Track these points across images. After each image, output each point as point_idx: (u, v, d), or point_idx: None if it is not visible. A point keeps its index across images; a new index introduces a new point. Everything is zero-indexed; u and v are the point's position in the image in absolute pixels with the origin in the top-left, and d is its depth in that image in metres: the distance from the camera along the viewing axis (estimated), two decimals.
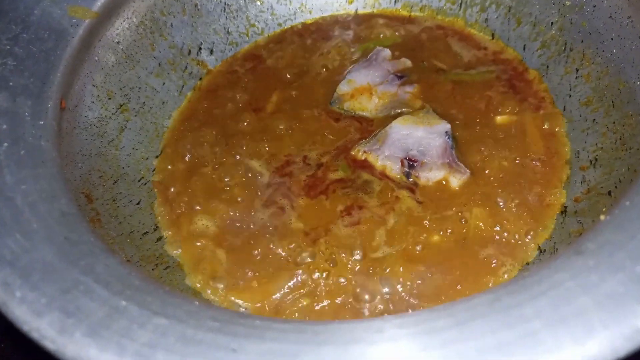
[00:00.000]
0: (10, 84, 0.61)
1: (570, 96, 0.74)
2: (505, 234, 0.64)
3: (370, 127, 0.77)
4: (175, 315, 0.42)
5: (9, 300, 0.41)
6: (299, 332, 0.40)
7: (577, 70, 0.74)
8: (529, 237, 0.63)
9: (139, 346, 0.39)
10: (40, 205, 0.52)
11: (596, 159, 0.66)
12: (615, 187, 0.60)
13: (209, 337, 0.40)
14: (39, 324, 0.40)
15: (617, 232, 0.41)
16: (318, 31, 0.92)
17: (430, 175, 0.69)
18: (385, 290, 0.60)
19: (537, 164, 0.69)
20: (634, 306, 0.35)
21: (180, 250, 0.69)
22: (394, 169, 0.70)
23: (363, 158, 0.72)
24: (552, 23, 0.78)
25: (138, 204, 0.73)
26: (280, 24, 0.93)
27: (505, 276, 0.60)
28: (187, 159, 0.77)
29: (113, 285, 0.45)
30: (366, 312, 0.59)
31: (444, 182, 0.69)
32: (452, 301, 0.41)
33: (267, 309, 0.61)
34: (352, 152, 0.73)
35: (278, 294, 0.62)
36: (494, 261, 0.61)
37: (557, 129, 0.71)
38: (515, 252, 0.62)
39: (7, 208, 0.49)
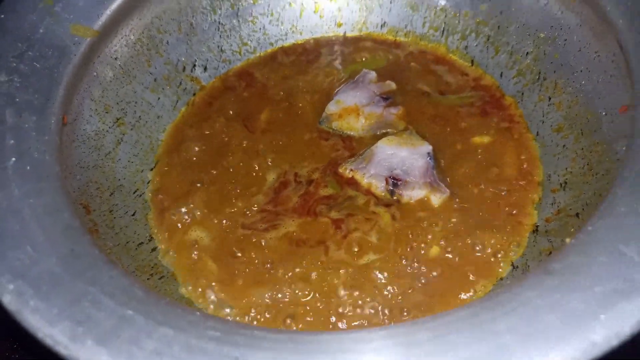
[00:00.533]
0: (17, 100, 0.63)
1: (543, 122, 0.79)
2: (480, 251, 0.68)
3: (357, 146, 0.81)
4: (179, 326, 0.45)
5: (24, 309, 0.44)
6: (294, 342, 0.44)
7: (550, 99, 0.80)
8: (502, 254, 0.68)
9: (147, 354, 0.42)
10: (46, 218, 0.55)
11: (566, 182, 0.72)
12: (583, 209, 0.66)
13: (212, 346, 0.43)
14: (52, 332, 0.43)
15: (580, 255, 0.46)
16: (308, 52, 0.96)
17: (413, 194, 0.73)
18: (369, 301, 0.64)
19: (512, 184, 0.74)
20: (591, 323, 0.39)
21: (173, 260, 0.72)
22: (379, 187, 0.74)
23: (350, 176, 0.77)
24: (527, 53, 0.84)
25: (133, 215, 0.76)
26: (271, 44, 0.97)
27: (481, 290, 0.64)
28: (179, 172, 0.80)
29: (118, 296, 0.48)
30: (349, 321, 0.63)
31: (426, 199, 0.73)
32: (434, 315, 0.45)
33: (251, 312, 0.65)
34: (340, 170, 0.77)
35: (262, 299, 0.66)
36: (469, 276, 0.66)
37: (530, 153, 0.77)
38: (490, 267, 0.67)
39: (16, 221, 0.52)
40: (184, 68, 0.91)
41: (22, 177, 0.57)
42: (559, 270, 0.45)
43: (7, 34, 0.68)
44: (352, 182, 0.76)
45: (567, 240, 0.49)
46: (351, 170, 0.77)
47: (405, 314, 0.62)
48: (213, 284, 0.69)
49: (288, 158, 0.80)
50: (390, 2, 0.95)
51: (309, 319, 0.63)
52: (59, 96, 0.68)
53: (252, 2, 0.95)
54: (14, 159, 0.58)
